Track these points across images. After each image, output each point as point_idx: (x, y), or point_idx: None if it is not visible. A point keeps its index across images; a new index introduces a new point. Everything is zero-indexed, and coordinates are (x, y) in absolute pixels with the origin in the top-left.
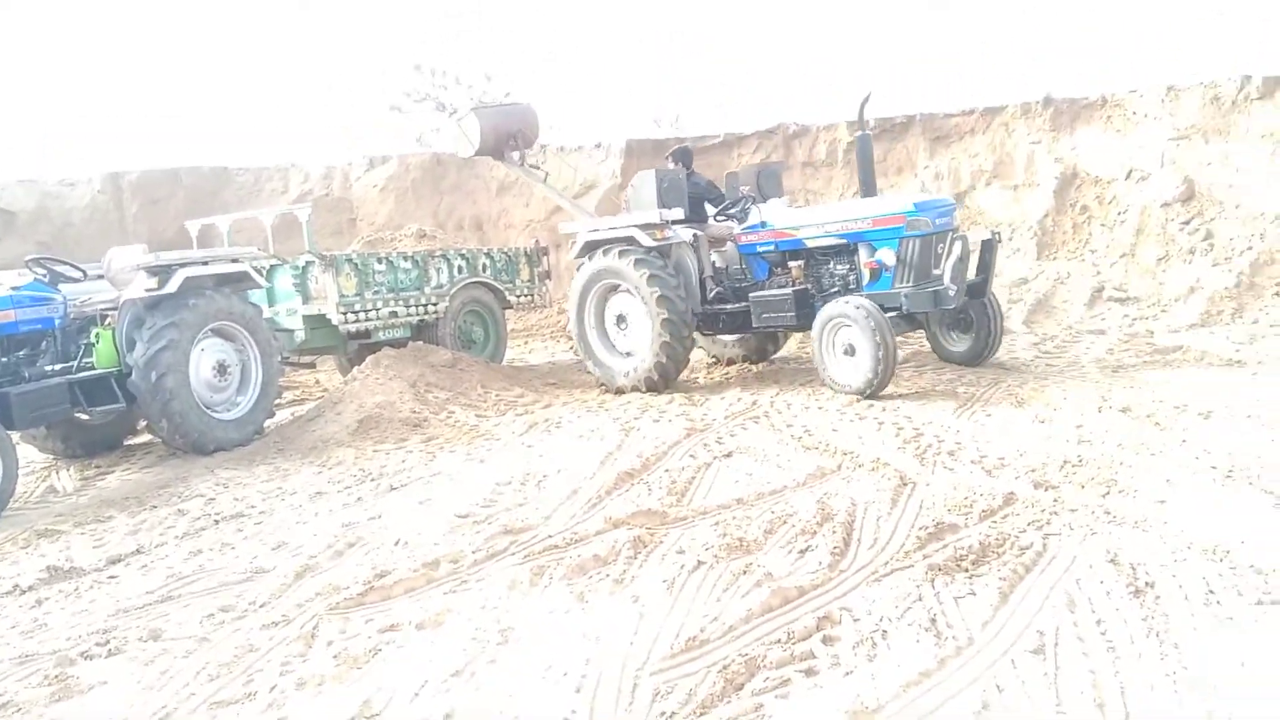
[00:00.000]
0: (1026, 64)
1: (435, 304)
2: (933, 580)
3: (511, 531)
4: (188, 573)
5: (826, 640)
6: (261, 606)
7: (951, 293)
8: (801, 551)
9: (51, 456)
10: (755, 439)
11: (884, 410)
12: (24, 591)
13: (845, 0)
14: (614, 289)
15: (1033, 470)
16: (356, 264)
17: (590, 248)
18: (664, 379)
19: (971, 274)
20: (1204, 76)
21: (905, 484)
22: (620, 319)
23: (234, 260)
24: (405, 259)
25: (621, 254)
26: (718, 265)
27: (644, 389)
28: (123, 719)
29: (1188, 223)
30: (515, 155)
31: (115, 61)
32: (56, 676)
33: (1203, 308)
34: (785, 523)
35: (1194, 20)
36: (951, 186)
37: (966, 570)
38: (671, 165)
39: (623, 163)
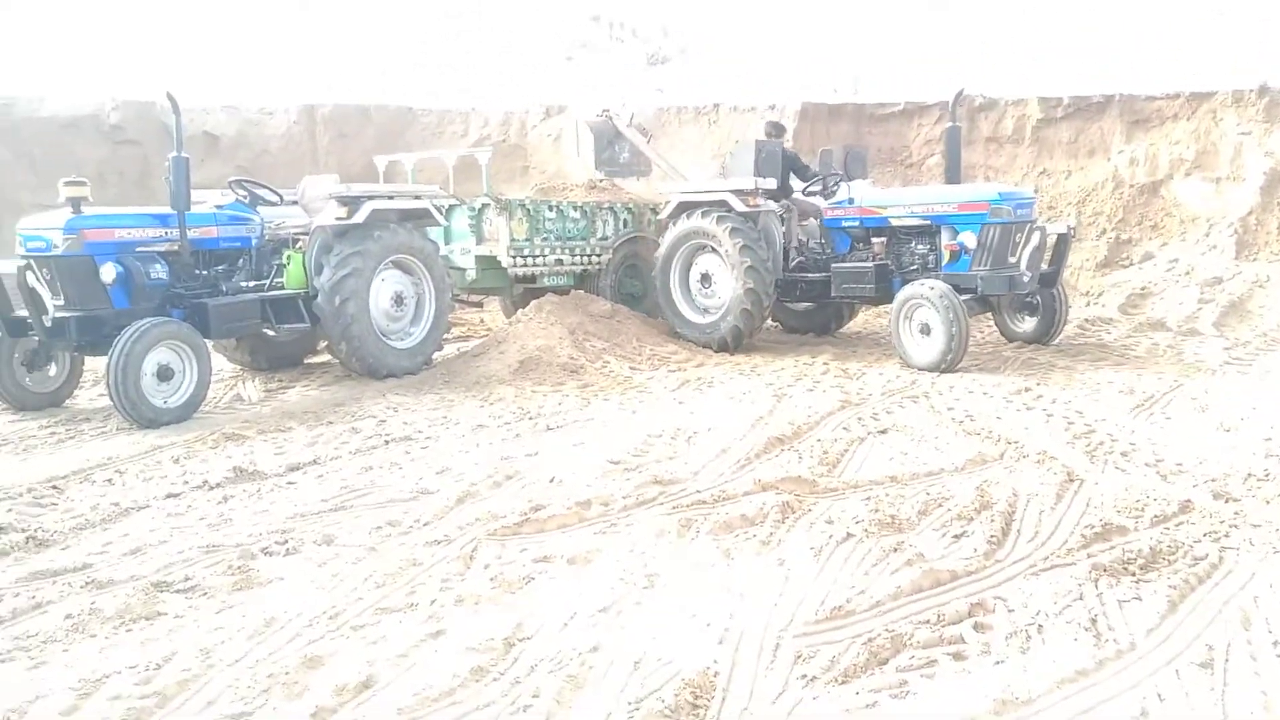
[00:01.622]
0: (1241, 48)
1: (599, 255)
2: (1096, 580)
3: (661, 482)
4: (359, 486)
5: (978, 627)
6: (425, 525)
7: (1026, 278)
8: (956, 536)
9: (239, 367)
10: (913, 418)
11: (1053, 403)
12: (212, 488)
13: None
14: (701, 249)
15: (1213, 480)
16: (529, 209)
17: (682, 208)
18: (747, 330)
19: (1046, 264)
20: None
21: (1072, 480)
22: (705, 278)
23: (417, 197)
24: (575, 208)
25: (715, 218)
26: (801, 238)
27: (715, 348)
28: (297, 612)
29: None
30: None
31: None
32: (239, 568)
33: None
34: (940, 505)
35: None
36: (1147, 174)
37: (1133, 574)
38: (769, 137)
39: (795, 126)
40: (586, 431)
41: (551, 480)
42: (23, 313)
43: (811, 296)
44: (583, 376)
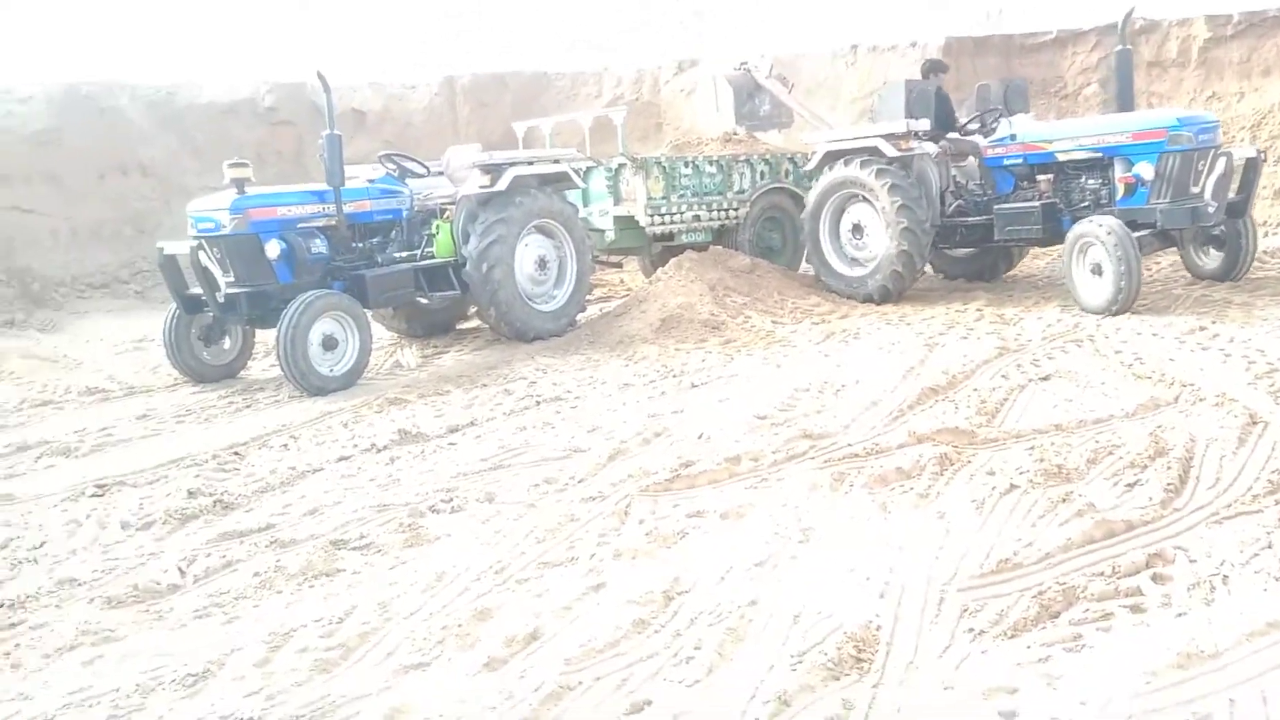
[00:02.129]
0: None
1: (736, 209)
2: None
3: (810, 436)
4: (515, 445)
5: (1157, 579)
6: (580, 482)
7: (1211, 209)
8: (1130, 485)
9: (396, 335)
10: (1077, 363)
11: (1231, 341)
12: (380, 450)
13: None
14: (852, 198)
15: None
16: (665, 167)
17: (831, 158)
18: (897, 289)
19: (1233, 193)
20: None
21: (1255, 423)
22: (856, 229)
23: (555, 161)
24: (710, 163)
25: (864, 164)
26: (959, 180)
27: (876, 299)
28: (465, 567)
29: None
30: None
31: None
32: (409, 525)
33: None
34: (1111, 454)
35: None
36: None
37: None
38: (928, 76)
39: (922, 65)
40: (731, 387)
41: (700, 436)
42: (197, 290)
43: (973, 241)
44: (724, 332)
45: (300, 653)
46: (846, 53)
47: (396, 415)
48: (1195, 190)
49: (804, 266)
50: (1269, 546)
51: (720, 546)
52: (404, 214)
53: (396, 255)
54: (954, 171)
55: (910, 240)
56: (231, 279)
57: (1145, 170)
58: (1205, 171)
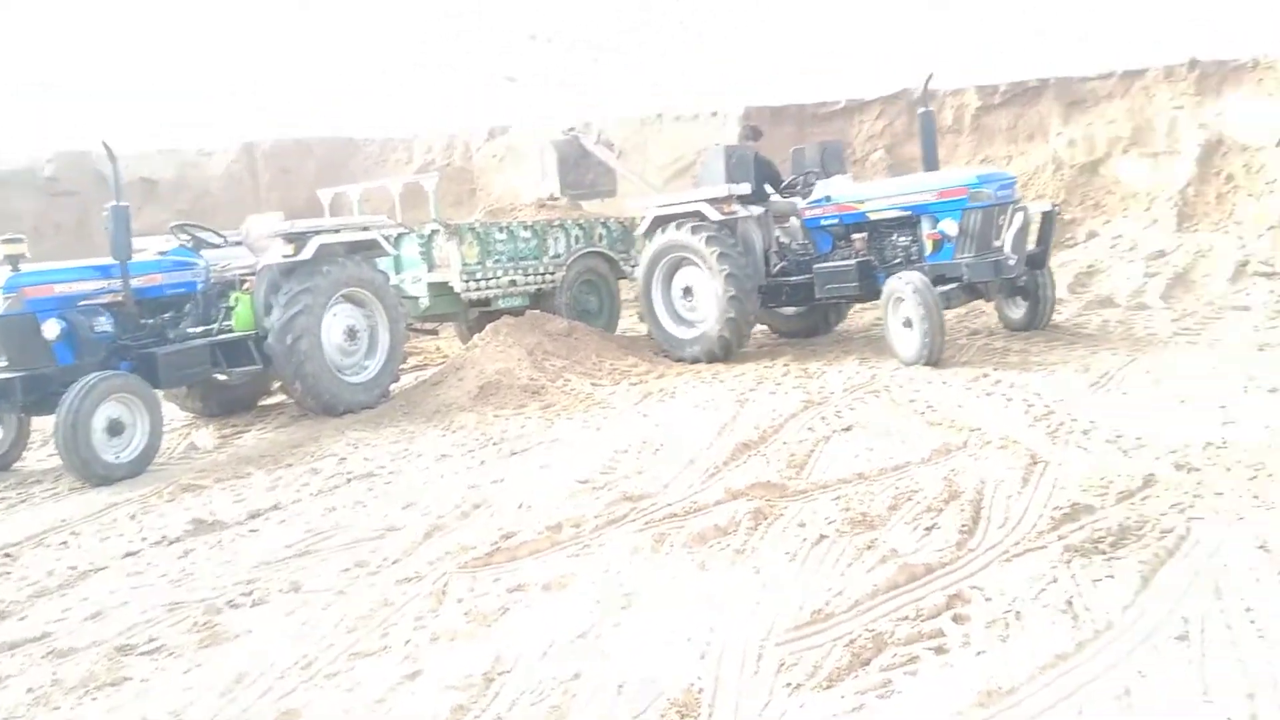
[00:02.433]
0: (1169, 24)
1: (553, 273)
2: (1069, 562)
3: (631, 498)
4: (324, 528)
5: (957, 619)
6: (394, 563)
7: (1012, 262)
8: (928, 529)
9: (191, 415)
10: (875, 413)
11: (1012, 386)
12: (171, 542)
13: None
14: (681, 262)
15: (1173, 451)
16: (479, 233)
17: (659, 222)
18: (727, 350)
19: (1032, 245)
20: None
21: (1036, 463)
22: (687, 291)
23: (364, 228)
24: (525, 228)
25: (690, 229)
26: (782, 240)
27: (705, 360)
28: (268, 665)
29: None
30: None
31: (246, 33)
32: (205, 623)
33: None
34: (910, 499)
35: None
36: (1086, 154)
37: (1104, 553)
38: (748, 141)
39: (739, 131)
40: (552, 453)
41: (520, 506)
42: None
43: (799, 300)
44: (544, 397)
45: None
46: (654, 120)
47: (191, 503)
48: (997, 244)
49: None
50: (1054, 581)
51: (542, 620)
52: (199, 287)
53: (191, 330)
54: (778, 232)
55: (736, 301)
56: (4, 363)
57: (950, 227)
58: (1005, 226)
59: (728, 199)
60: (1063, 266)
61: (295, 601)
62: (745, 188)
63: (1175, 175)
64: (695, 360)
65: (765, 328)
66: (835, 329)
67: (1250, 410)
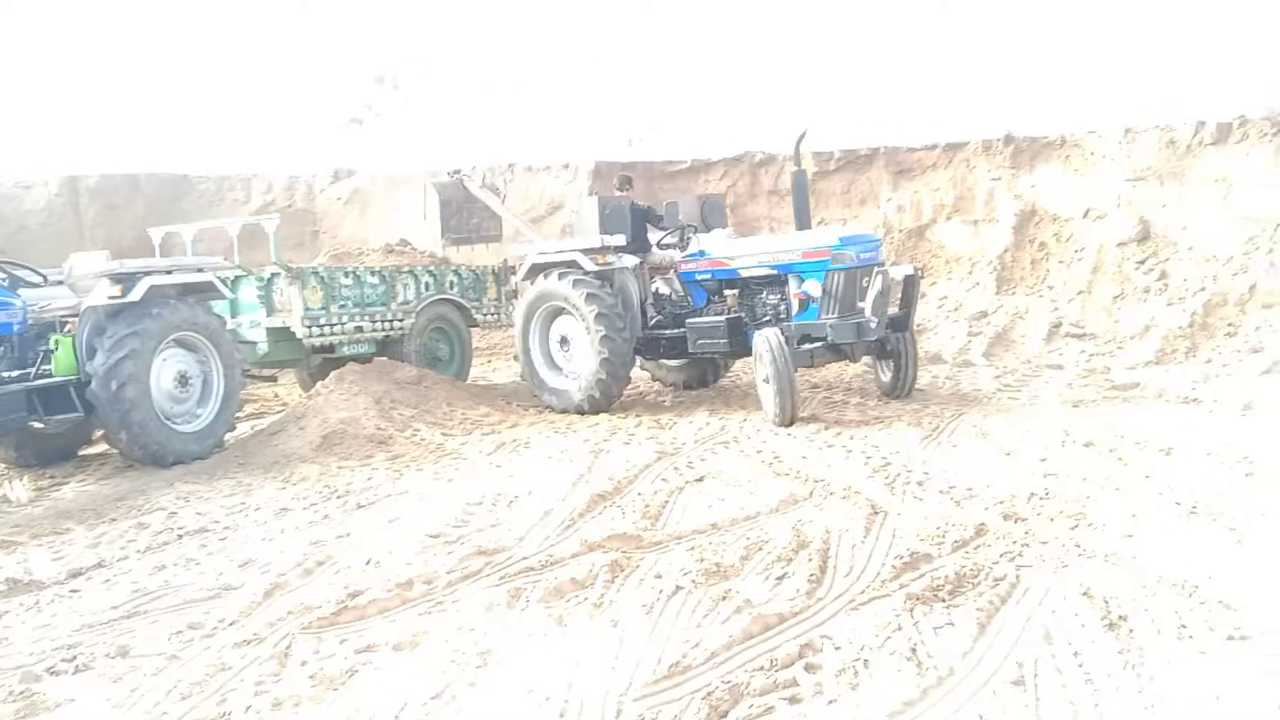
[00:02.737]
0: (989, 100)
1: (401, 320)
2: (911, 609)
3: (485, 553)
4: (153, 588)
5: (809, 668)
6: (231, 624)
7: (873, 324)
8: (779, 578)
9: (2, 465)
10: (726, 464)
11: (851, 439)
12: None
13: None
14: (559, 312)
15: (1001, 502)
16: (323, 277)
17: (536, 270)
18: (605, 399)
19: (895, 308)
20: (1160, 120)
21: (877, 512)
22: (564, 341)
23: (199, 270)
24: (372, 273)
25: (563, 277)
26: (662, 292)
27: (586, 409)
28: None
29: (1143, 262)
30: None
31: (72, 61)
32: (22, 693)
33: (1158, 346)
34: (761, 549)
35: (1151, 63)
36: (913, 219)
37: (944, 600)
38: (618, 191)
39: (591, 184)
40: (401, 505)
41: (368, 562)
42: None
43: (675, 354)
44: (392, 447)
45: None
46: (505, 170)
47: (4, 560)
48: (860, 306)
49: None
50: (899, 629)
51: (394, 681)
52: (15, 328)
53: (5, 374)
54: (658, 283)
55: (610, 348)
56: None
57: (813, 287)
58: (869, 288)
59: (604, 249)
60: None
61: (123, 667)
62: (620, 239)
63: (994, 241)
64: (564, 411)
65: (651, 378)
66: (719, 383)
67: (1068, 463)
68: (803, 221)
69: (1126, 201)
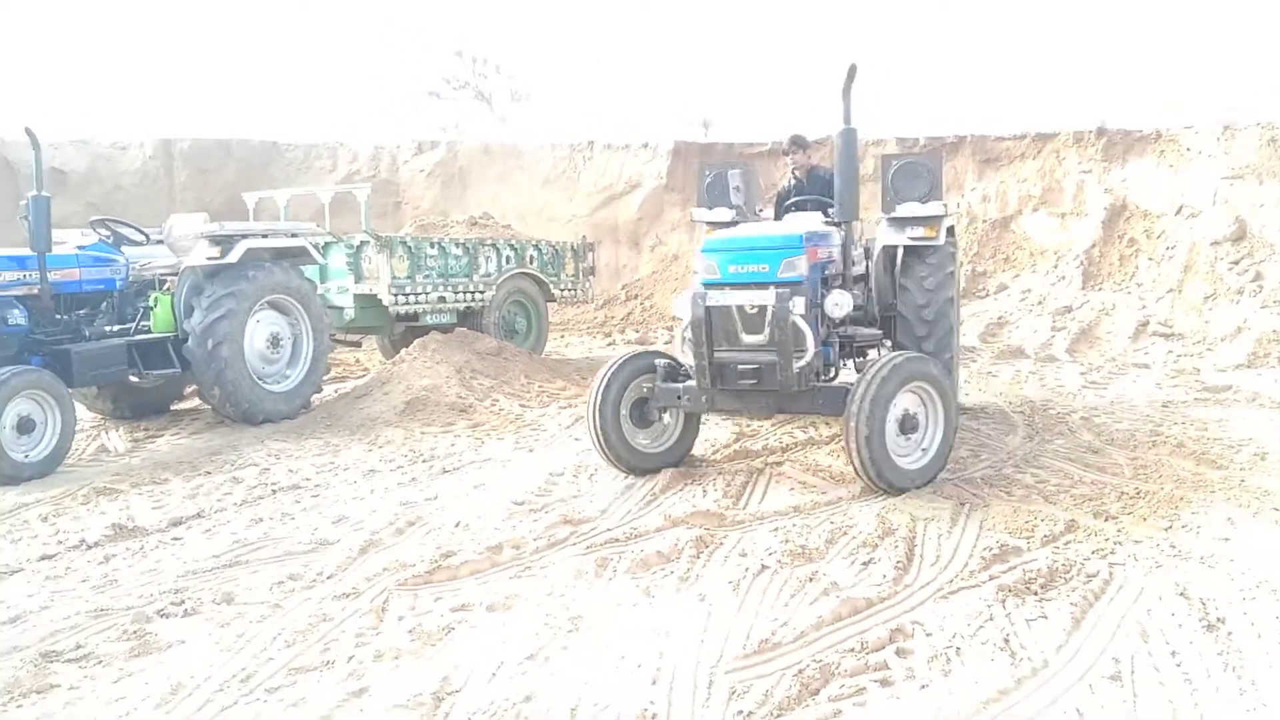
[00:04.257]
0: (1082, 91)
1: (482, 291)
2: (1003, 601)
3: (571, 522)
4: (252, 539)
5: (900, 652)
6: (330, 578)
7: None
8: (865, 564)
9: (100, 416)
10: (806, 448)
11: None
12: (90, 547)
13: (900, 20)
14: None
15: (1090, 500)
16: (410, 247)
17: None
18: None
19: None
20: (1260, 117)
21: (963, 504)
22: None
23: (293, 235)
24: (457, 245)
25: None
26: None
27: None
28: (205, 677)
29: (1237, 263)
30: None
31: (165, 25)
32: (135, 632)
33: (1250, 349)
34: (845, 534)
35: (1254, 59)
36: (998, 209)
37: (1036, 594)
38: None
39: (669, 163)
40: (485, 473)
41: (457, 525)
42: None
43: None
44: (473, 416)
45: None
46: (584, 147)
47: (107, 507)
48: None
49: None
50: (991, 619)
51: (489, 641)
52: (118, 284)
53: (107, 329)
54: None
55: None
56: None
57: None
58: None
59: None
60: (974, 316)
61: (229, 613)
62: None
63: (1082, 235)
64: None
65: None
66: None
67: (1159, 464)
68: (884, 201)
69: (1222, 200)
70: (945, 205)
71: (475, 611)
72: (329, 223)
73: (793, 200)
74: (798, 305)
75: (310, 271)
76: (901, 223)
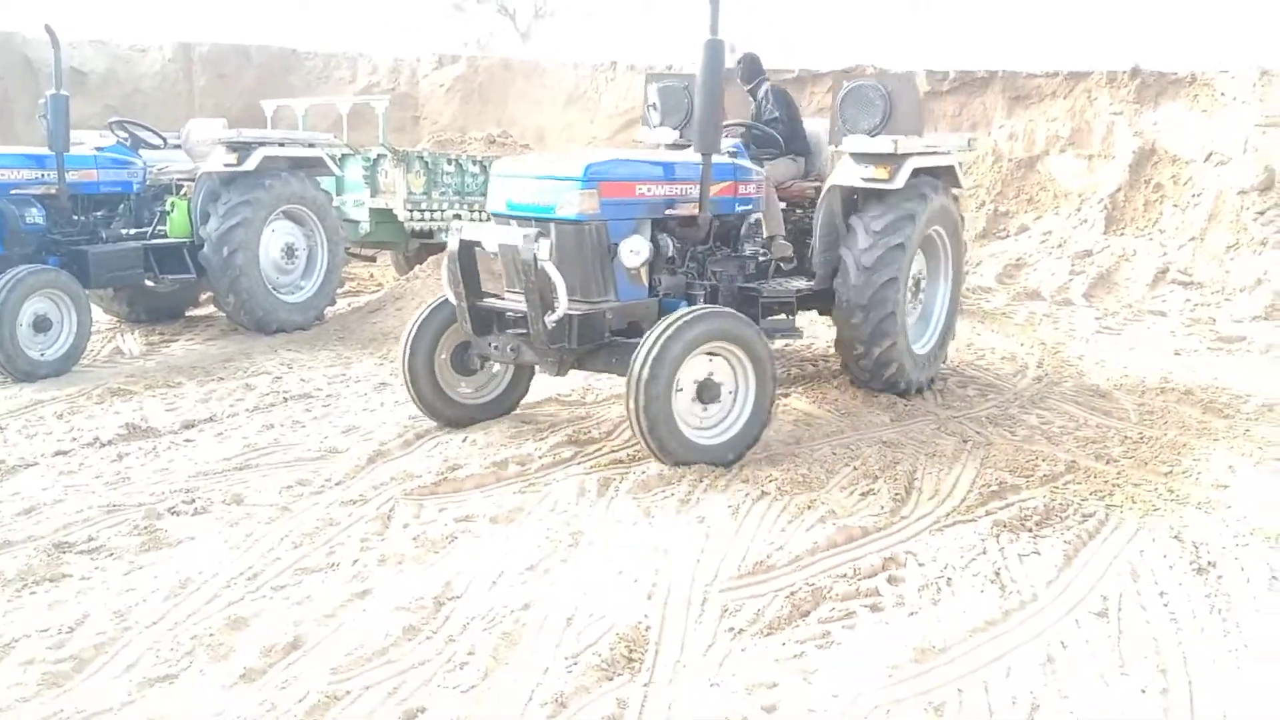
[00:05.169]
0: (1117, 31)
1: None
2: (997, 536)
3: (576, 442)
4: (263, 444)
5: (892, 580)
6: (337, 484)
7: None
8: (864, 494)
9: (116, 318)
10: (812, 381)
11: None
12: (104, 445)
13: None
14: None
15: (1093, 442)
16: (427, 162)
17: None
18: None
19: None
20: None
21: (966, 441)
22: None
23: (310, 145)
24: (474, 163)
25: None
26: None
27: None
28: (213, 573)
29: (1263, 213)
30: None
31: None
32: (145, 528)
33: (1268, 301)
34: (848, 465)
35: None
36: (1025, 149)
37: (1030, 530)
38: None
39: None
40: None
41: (464, 440)
42: None
43: None
44: None
45: (25, 665)
46: (607, 68)
47: (121, 407)
48: None
49: None
50: (984, 552)
51: (491, 551)
52: (135, 187)
53: (124, 232)
54: None
55: None
56: None
57: None
58: None
59: None
60: (993, 257)
61: (238, 513)
62: None
63: (1107, 178)
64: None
65: None
66: None
67: (1165, 410)
68: (832, 131)
69: (1254, 148)
70: (897, 142)
71: (479, 523)
72: (346, 134)
73: (728, 123)
74: (543, 249)
75: (326, 183)
76: (861, 159)
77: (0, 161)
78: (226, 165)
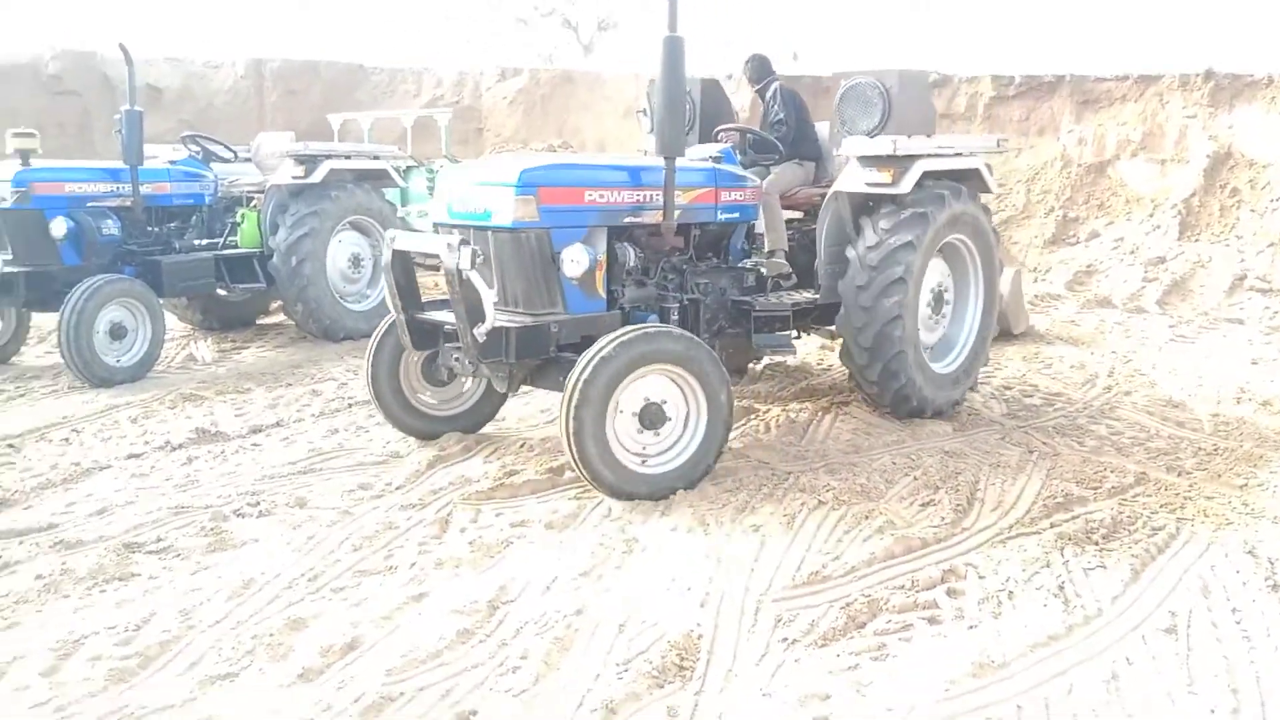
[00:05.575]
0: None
1: None
2: (1062, 549)
3: None
4: (327, 449)
5: (951, 593)
6: (398, 489)
7: None
8: (924, 505)
9: (189, 326)
10: None
11: (1010, 376)
12: (175, 448)
13: None
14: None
15: (1165, 453)
16: None
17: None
18: None
19: None
20: None
21: (1032, 451)
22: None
23: (375, 157)
24: None
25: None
26: None
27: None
28: (275, 574)
29: None
30: None
31: None
32: (211, 529)
33: None
34: (907, 474)
35: None
36: (1094, 154)
37: (1097, 544)
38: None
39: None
40: (552, 398)
41: (522, 446)
42: None
43: None
44: None
45: (93, 661)
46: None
47: (192, 412)
48: None
49: None
50: (1047, 565)
51: (546, 556)
52: (206, 199)
53: (196, 242)
54: None
55: None
56: (10, 256)
57: None
58: None
59: None
60: (1063, 264)
61: (301, 516)
62: None
63: (1181, 183)
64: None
65: None
66: None
67: (1241, 421)
68: (832, 133)
69: None
70: (896, 142)
71: (534, 528)
72: (410, 146)
73: (720, 129)
74: (465, 257)
75: (391, 195)
76: (869, 163)
77: (77, 176)
78: (294, 178)
